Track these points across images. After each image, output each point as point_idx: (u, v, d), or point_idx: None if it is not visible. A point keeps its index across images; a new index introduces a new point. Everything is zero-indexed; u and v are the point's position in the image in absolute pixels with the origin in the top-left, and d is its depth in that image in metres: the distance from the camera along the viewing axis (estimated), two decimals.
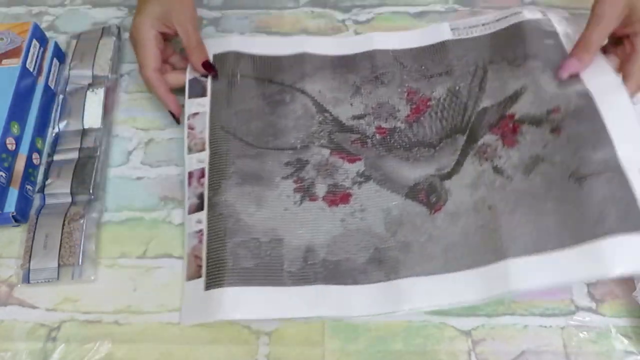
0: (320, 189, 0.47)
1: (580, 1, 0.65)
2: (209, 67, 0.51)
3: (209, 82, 0.52)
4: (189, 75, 0.52)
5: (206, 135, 0.49)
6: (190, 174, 0.48)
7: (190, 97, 0.51)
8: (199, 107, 0.51)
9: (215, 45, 0.55)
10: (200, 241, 0.44)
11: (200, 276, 0.43)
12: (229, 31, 0.61)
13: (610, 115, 0.43)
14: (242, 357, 0.41)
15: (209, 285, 0.42)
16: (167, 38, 0.52)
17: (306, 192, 0.47)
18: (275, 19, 0.63)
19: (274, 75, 0.54)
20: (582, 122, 0.44)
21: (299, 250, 0.44)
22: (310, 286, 0.42)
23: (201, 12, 0.63)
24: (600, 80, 0.46)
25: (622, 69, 0.46)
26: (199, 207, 0.46)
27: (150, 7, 0.50)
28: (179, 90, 0.52)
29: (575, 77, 0.47)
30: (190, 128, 0.50)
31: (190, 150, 0.49)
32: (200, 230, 0.45)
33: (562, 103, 0.46)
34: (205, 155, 0.48)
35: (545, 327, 0.42)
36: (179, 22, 0.50)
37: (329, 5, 0.64)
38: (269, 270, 0.43)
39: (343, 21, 0.63)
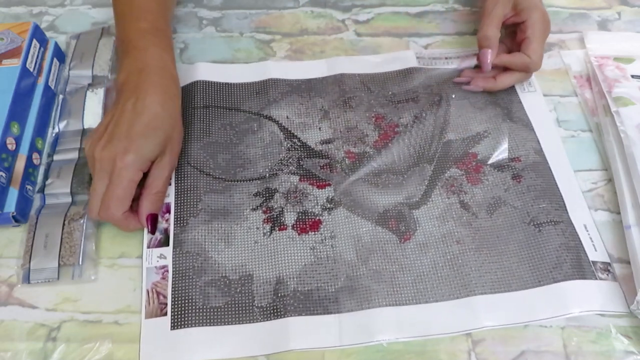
0: (290, 218, 0.47)
1: (580, 1, 0.65)
2: (150, 223, 0.45)
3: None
4: None
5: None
6: None
7: None
8: None
9: (182, 77, 0.54)
10: (164, 278, 0.44)
11: (163, 315, 0.42)
12: (229, 31, 0.61)
13: (558, 176, 0.49)
14: (243, 356, 0.41)
15: (175, 325, 0.42)
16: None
17: (275, 221, 0.47)
18: (275, 19, 0.63)
19: (240, 103, 0.54)
20: (539, 177, 0.49)
21: (269, 284, 0.44)
22: (281, 319, 0.42)
23: (201, 12, 0.63)
24: (549, 143, 0.51)
25: (522, 52, 0.51)
26: (162, 243, 0.46)
27: (145, 144, 0.43)
28: None
29: (531, 132, 0.52)
30: None
31: None
32: (164, 267, 0.44)
33: (523, 155, 0.50)
34: (170, 190, 0.48)
35: (545, 327, 0.42)
36: (161, 165, 0.45)
37: (329, 5, 0.64)
38: (239, 307, 0.43)
39: (343, 21, 0.63)
